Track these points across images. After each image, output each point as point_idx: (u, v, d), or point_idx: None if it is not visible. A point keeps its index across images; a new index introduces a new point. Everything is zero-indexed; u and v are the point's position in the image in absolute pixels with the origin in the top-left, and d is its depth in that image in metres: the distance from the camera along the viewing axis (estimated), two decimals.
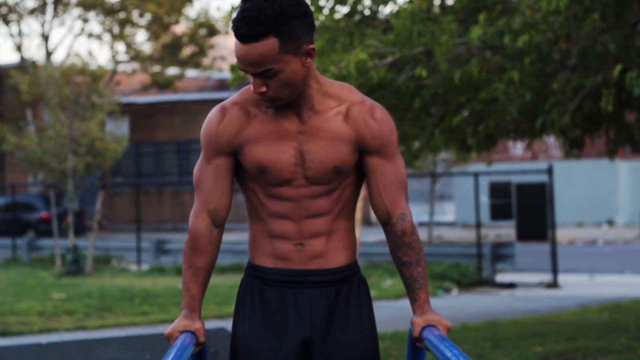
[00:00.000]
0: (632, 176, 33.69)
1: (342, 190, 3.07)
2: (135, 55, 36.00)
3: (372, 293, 13.59)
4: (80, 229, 28.13)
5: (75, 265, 18.73)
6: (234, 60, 2.92)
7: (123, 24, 35.30)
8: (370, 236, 23.71)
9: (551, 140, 31.22)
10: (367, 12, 9.12)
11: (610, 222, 33.31)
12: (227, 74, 34.33)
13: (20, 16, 35.93)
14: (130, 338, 6.75)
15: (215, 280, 15.08)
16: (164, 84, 35.77)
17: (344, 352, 3.05)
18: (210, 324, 9.37)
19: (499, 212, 33.86)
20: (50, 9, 35.77)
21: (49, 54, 35.62)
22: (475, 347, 9.10)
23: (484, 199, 33.69)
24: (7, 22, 35.85)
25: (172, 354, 2.74)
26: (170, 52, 35.73)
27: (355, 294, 3.11)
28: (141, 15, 35.31)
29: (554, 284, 15.76)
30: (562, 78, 8.14)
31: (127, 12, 35.05)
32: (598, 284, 15.81)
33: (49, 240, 22.39)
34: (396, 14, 8.33)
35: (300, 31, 2.91)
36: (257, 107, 3.05)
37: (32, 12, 35.89)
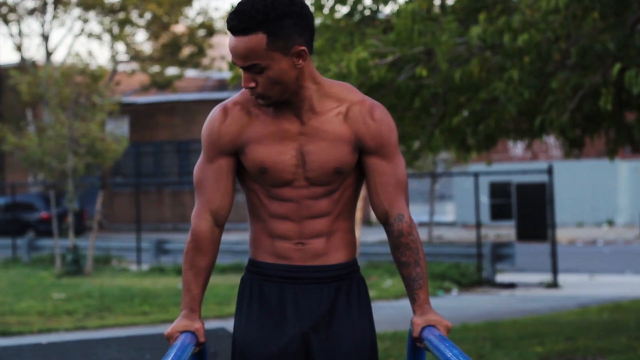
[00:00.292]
0: (632, 176, 33.67)
1: (342, 191, 3.07)
2: (135, 55, 35.99)
3: (372, 293, 13.59)
4: (80, 229, 28.14)
5: (75, 265, 18.73)
6: None
7: (123, 24, 35.29)
8: (370, 236, 23.72)
9: (551, 140, 31.19)
10: (367, 12, 9.12)
11: (610, 222, 33.29)
12: (226, 74, 34.30)
13: (20, 16, 35.91)
14: (130, 338, 6.76)
15: (215, 280, 15.08)
16: (163, 84, 35.76)
17: (344, 348, 3.05)
18: (210, 324, 9.37)
19: (499, 212, 33.83)
20: (50, 9, 35.76)
21: (49, 54, 35.61)
22: (475, 347, 9.10)
23: (484, 199, 33.67)
24: (7, 22, 35.83)
25: (172, 354, 2.74)
26: (169, 52, 35.72)
27: (356, 293, 3.11)
28: (141, 15, 35.30)
29: (554, 284, 15.75)
30: (561, 77, 8.14)
31: (126, 12, 35.04)
32: (598, 284, 15.81)
33: (49, 240, 22.38)
34: (396, 14, 8.33)
35: (292, 31, 2.90)
36: (258, 107, 3.05)
37: (32, 12, 35.87)
